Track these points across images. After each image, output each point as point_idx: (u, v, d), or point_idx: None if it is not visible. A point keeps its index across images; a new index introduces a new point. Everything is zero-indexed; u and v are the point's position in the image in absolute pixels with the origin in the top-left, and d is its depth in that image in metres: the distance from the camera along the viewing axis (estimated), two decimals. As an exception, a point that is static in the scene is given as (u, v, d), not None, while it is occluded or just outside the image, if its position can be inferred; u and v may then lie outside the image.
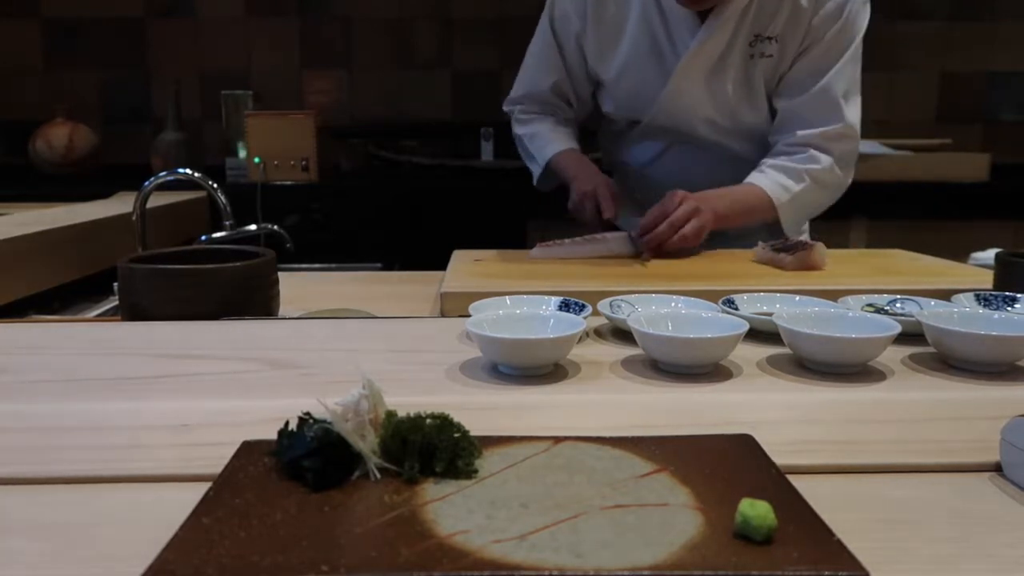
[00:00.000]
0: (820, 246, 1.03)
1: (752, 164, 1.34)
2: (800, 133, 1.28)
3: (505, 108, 1.50)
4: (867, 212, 2.08)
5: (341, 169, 2.41)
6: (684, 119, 1.33)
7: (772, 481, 0.40)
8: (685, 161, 1.38)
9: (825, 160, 1.27)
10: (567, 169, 1.39)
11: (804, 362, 0.62)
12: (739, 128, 1.34)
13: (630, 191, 1.46)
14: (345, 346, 0.71)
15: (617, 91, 1.36)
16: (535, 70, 1.44)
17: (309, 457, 0.40)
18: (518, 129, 1.48)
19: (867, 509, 0.41)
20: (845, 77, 1.26)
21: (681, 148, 1.38)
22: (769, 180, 1.28)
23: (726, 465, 0.42)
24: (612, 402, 0.56)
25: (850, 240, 2.08)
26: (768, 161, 1.31)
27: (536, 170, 1.45)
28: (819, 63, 1.25)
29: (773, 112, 1.32)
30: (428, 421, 0.42)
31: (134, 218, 1.33)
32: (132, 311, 0.80)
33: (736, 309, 0.73)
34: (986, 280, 0.89)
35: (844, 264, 1.07)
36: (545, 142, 1.43)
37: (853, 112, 1.28)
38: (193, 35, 2.63)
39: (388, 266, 1.68)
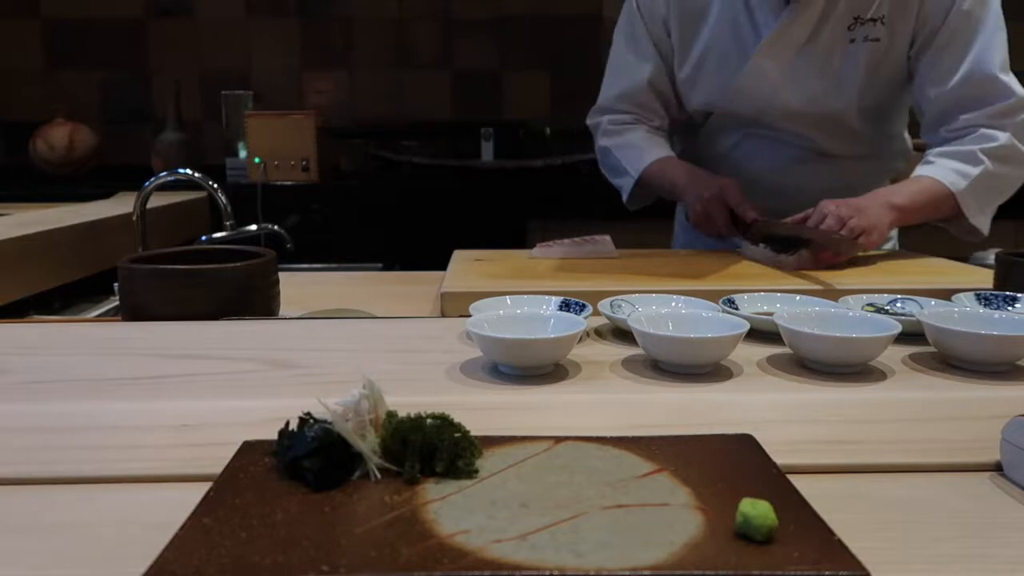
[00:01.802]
0: (851, 241, 1.02)
1: (836, 160, 1.26)
2: (963, 117, 1.15)
3: (590, 122, 1.41)
4: (867, 212, 2.08)
5: (341, 169, 2.42)
6: (761, 106, 1.24)
7: (772, 481, 0.40)
8: (762, 153, 1.30)
9: (1002, 136, 1.13)
10: (674, 178, 1.28)
11: (804, 362, 0.62)
12: (822, 118, 1.24)
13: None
14: (345, 346, 0.71)
15: (698, 79, 1.28)
16: (628, 65, 1.33)
17: (309, 457, 0.40)
18: (605, 141, 1.37)
19: (867, 509, 0.41)
20: (995, 48, 1.13)
21: (758, 140, 1.30)
22: (940, 169, 1.14)
23: (726, 465, 0.42)
24: (612, 402, 0.56)
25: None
26: (934, 151, 1.18)
27: (627, 184, 1.34)
28: (958, 42, 1.13)
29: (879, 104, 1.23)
30: (428, 421, 0.42)
31: (134, 218, 1.33)
32: (132, 311, 0.80)
33: (736, 309, 0.73)
34: (986, 280, 0.89)
35: (844, 264, 1.07)
36: (639, 152, 1.32)
37: (1016, 82, 1.15)
38: (193, 35, 2.63)
39: (388, 266, 1.68)
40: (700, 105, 1.31)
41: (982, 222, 1.18)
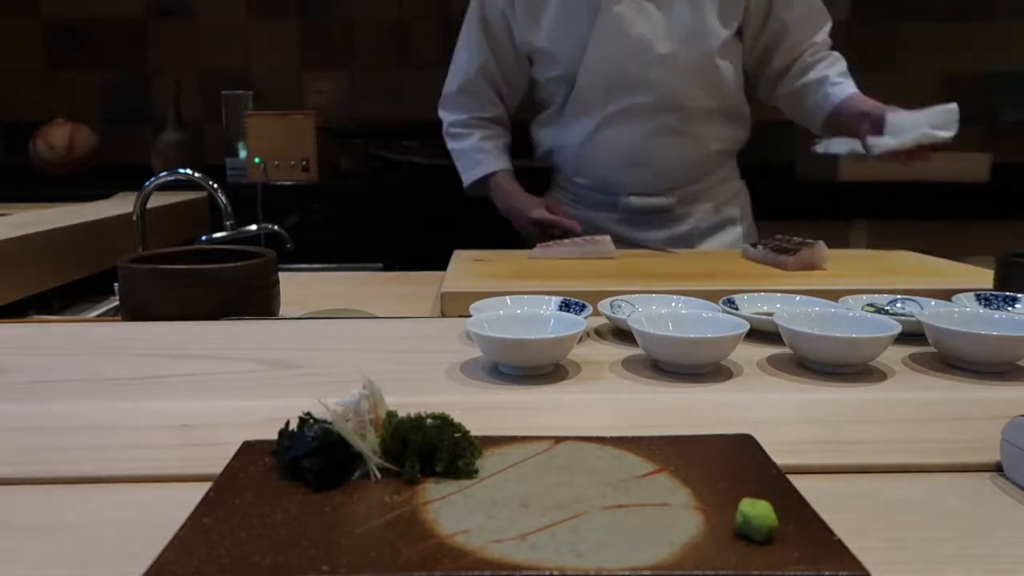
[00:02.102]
0: (821, 244, 1.03)
1: (693, 130, 1.34)
2: (817, 40, 1.35)
3: (440, 114, 1.54)
4: (867, 212, 2.08)
5: (341, 169, 2.41)
6: (621, 57, 1.28)
7: (772, 481, 0.40)
8: (620, 136, 1.35)
9: (841, 57, 1.37)
10: (498, 200, 1.47)
11: (804, 362, 0.62)
12: (688, 63, 1.30)
13: (571, 174, 1.46)
14: (345, 346, 0.71)
15: (553, 50, 1.34)
16: (462, 59, 1.47)
17: (309, 457, 0.40)
18: (449, 143, 1.53)
19: (867, 509, 0.41)
20: None
21: (618, 119, 1.35)
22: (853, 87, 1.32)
23: (726, 465, 0.42)
24: (612, 402, 0.56)
25: (850, 240, 2.08)
26: (832, 71, 1.34)
27: (464, 184, 1.52)
28: None
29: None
30: (428, 421, 0.42)
31: (134, 218, 1.33)
32: (132, 311, 0.80)
33: (736, 309, 0.73)
34: (986, 280, 0.89)
35: (845, 264, 1.07)
36: (470, 163, 1.48)
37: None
38: (193, 35, 2.63)
39: (388, 266, 1.68)
40: (562, 73, 1.35)
41: None
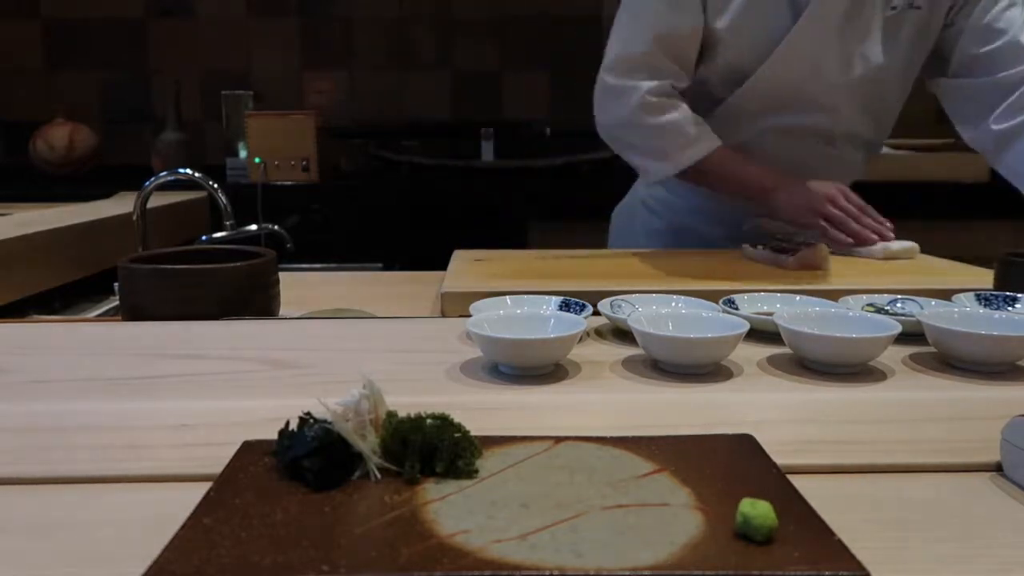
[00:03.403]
0: (822, 246, 1.03)
1: (846, 152, 1.22)
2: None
3: (613, 81, 1.18)
4: (867, 212, 2.08)
5: (341, 169, 2.41)
6: (797, 78, 1.14)
7: (773, 481, 0.40)
8: (781, 149, 1.20)
9: None
10: (748, 176, 1.18)
11: (804, 362, 0.62)
12: (862, 91, 1.17)
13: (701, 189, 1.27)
14: (345, 346, 0.71)
15: (739, 30, 1.14)
16: (673, 7, 1.15)
17: (309, 457, 0.40)
18: (649, 118, 1.17)
19: (867, 509, 0.41)
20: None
21: (775, 134, 1.20)
22: None
23: (726, 465, 0.42)
24: (612, 402, 0.56)
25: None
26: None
27: (663, 171, 1.21)
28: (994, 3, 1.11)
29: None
30: (428, 421, 0.42)
31: (134, 218, 1.33)
32: (132, 311, 0.80)
33: (736, 309, 0.73)
34: (986, 280, 0.89)
35: (845, 264, 1.07)
36: (689, 137, 1.17)
37: None
38: (193, 35, 2.63)
39: (388, 266, 1.68)
40: (732, 65, 1.17)
41: None
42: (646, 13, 1.17)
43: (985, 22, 1.13)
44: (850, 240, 1.13)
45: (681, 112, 1.18)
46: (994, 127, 1.14)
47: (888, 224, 1.15)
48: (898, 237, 1.16)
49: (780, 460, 0.43)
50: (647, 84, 1.16)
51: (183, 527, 0.35)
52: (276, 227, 1.41)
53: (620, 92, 1.19)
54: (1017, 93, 1.12)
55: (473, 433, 0.43)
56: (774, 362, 0.64)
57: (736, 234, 1.25)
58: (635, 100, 1.17)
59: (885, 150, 2.18)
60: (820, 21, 1.11)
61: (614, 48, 1.20)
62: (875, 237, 1.12)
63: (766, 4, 1.14)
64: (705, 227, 1.32)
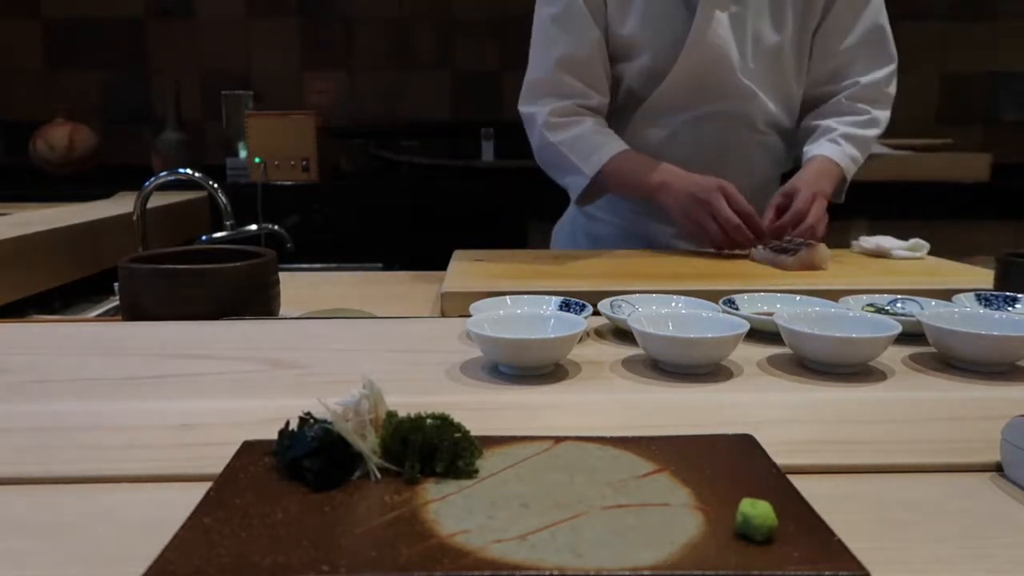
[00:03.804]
0: (822, 247, 1.03)
1: (768, 140, 1.27)
2: (863, 81, 1.24)
3: (524, 110, 1.26)
4: (867, 212, 2.08)
5: (341, 169, 2.42)
6: (710, 63, 1.18)
7: (773, 481, 0.40)
8: (706, 135, 1.24)
9: (884, 118, 1.25)
10: (645, 175, 1.18)
11: (804, 362, 0.62)
12: (773, 76, 1.22)
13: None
14: (345, 346, 0.71)
15: (644, 40, 1.19)
16: (560, 38, 1.19)
17: (309, 457, 0.40)
18: (551, 135, 1.22)
19: (867, 509, 0.41)
20: (880, 2, 1.23)
21: (698, 123, 1.24)
22: (845, 156, 1.22)
23: (726, 465, 0.42)
24: (612, 402, 0.56)
25: (850, 240, 2.08)
26: (840, 128, 1.24)
27: (578, 183, 1.24)
28: None
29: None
30: (429, 421, 0.42)
31: (134, 218, 1.33)
32: (132, 311, 0.80)
33: (736, 309, 0.73)
34: (986, 280, 0.89)
35: (845, 264, 1.07)
36: (592, 147, 1.21)
37: (891, 40, 1.26)
38: (193, 35, 2.63)
39: (388, 266, 1.68)
40: (651, 67, 1.21)
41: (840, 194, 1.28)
42: (544, 40, 1.23)
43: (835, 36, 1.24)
44: (726, 245, 1.14)
45: (584, 126, 1.22)
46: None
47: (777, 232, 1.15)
48: (898, 237, 1.16)
49: (780, 460, 0.43)
50: (550, 106, 1.22)
51: (183, 527, 0.35)
52: (276, 227, 1.41)
53: (529, 119, 1.26)
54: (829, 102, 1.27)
55: (473, 433, 0.43)
56: (774, 362, 0.64)
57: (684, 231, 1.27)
58: (540, 122, 1.23)
59: (885, 150, 2.19)
60: (713, 8, 1.16)
61: (525, 79, 1.27)
62: (752, 242, 1.12)
63: (663, 3, 1.19)
64: (652, 226, 1.31)
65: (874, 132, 1.26)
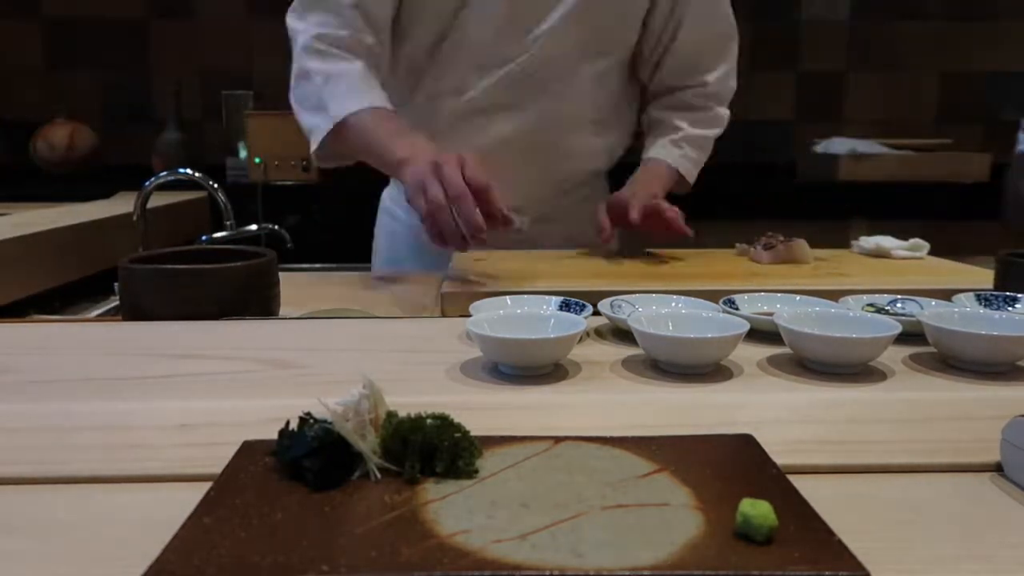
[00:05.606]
0: (800, 242, 1.05)
1: (565, 152, 1.17)
2: (709, 80, 1.21)
3: (292, 22, 1.10)
4: (867, 212, 2.08)
5: (341, 169, 2.41)
6: (503, 32, 1.05)
7: (773, 481, 0.40)
8: (495, 122, 1.11)
9: (725, 116, 1.25)
10: (386, 139, 0.97)
11: (804, 362, 0.62)
12: (603, 39, 1.12)
13: None
14: (345, 346, 0.71)
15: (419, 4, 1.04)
16: None
17: (309, 457, 0.40)
18: (309, 62, 1.04)
19: (867, 509, 0.41)
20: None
21: (483, 110, 1.11)
22: (688, 161, 1.21)
23: (726, 465, 0.42)
24: (612, 402, 0.56)
25: (850, 240, 2.08)
26: (683, 130, 1.21)
27: (321, 128, 1.03)
28: None
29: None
30: (428, 421, 0.42)
31: (135, 218, 1.33)
32: (132, 311, 0.80)
33: (737, 309, 0.73)
34: (986, 280, 0.89)
35: (845, 264, 1.07)
36: (347, 90, 1.01)
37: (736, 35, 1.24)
38: (194, 35, 2.63)
39: (388, 266, 1.68)
40: (429, 39, 1.08)
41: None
42: None
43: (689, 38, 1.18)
44: (444, 239, 0.89)
45: (353, 65, 1.04)
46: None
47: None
48: (898, 237, 1.16)
49: (780, 460, 0.43)
50: (319, 29, 1.04)
51: (183, 527, 0.35)
52: (276, 227, 1.41)
53: (292, 35, 1.09)
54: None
55: (473, 433, 0.43)
56: (774, 362, 0.64)
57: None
58: (302, 42, 1.06)
59: (885, 150, 2.19)
60: None
61: None
62: (479, 224, 0.85)
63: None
64: None
65: (717, 131, 1.25)
